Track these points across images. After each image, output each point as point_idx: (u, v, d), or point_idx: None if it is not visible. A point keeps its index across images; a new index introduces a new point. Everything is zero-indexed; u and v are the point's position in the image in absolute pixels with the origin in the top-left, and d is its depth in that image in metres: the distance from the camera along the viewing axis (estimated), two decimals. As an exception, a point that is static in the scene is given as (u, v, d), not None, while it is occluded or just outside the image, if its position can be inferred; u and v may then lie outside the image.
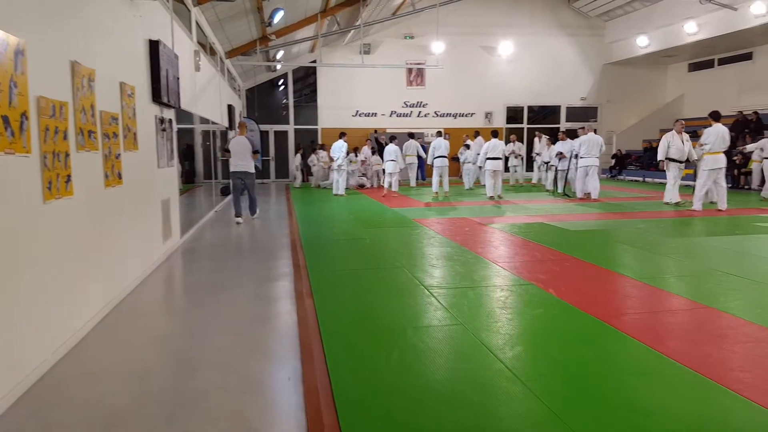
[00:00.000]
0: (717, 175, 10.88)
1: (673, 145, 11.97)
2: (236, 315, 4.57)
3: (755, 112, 18.27)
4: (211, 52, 12.68)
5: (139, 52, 6.05)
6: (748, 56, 20.35)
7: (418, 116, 22.42)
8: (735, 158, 16.70)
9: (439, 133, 19.57)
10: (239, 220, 9.76)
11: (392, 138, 15.58)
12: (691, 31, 18.95)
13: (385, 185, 15.02)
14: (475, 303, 4.72)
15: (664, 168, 12.28)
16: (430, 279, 5.51)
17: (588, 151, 13.29)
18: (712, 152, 10.82)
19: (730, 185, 16.50)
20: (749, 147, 13.38)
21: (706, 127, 11.65)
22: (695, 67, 23.08)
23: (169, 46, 7.28)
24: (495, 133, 14.46)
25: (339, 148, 15.06)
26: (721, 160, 10.80)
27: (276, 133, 21.63)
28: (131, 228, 5.44)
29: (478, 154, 16.75)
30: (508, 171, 17.89)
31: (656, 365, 3.40)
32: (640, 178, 20.43)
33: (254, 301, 4.98)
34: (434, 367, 3.41)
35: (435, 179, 14.66)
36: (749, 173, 16.29)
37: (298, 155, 19.18)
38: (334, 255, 6.91)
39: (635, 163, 21.91)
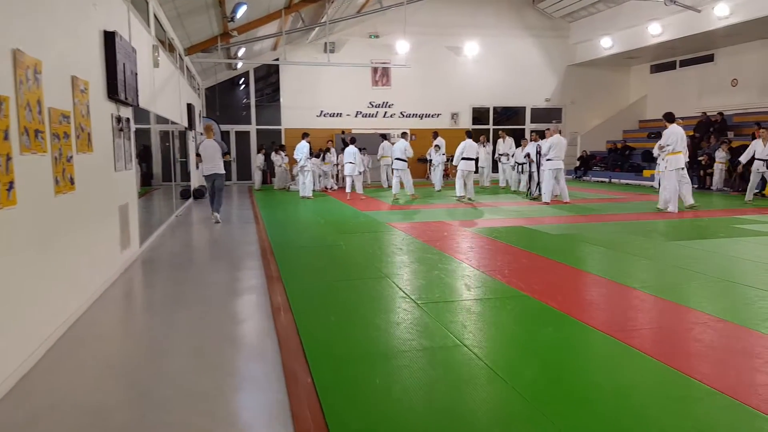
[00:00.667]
0: (682, 174, 11.11)
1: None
2: (206, 336, 4.07)
3: (720, 113, 18.54)
4: (170, 48, 12.03)
5: (94, 44, 5.47)
6: (709, 58, 20.67)
7: (384, 117, 22.05)
8: (701, 159, 16.87)
9: (403, 134, 19.31)
10: (214, 217, 10.21)
11: (352, 140, 15.10)
12: (655, 32, 19.10)
13: (347, 188, 14.58)
14: (473, 319, 4.34)
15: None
16: (418, 291, 5.10)
17: (557, 153, 13.07)
18: (674, 152, 11.00)
19: (696, 185, 16.72)
20: (743, 159, 13.17)
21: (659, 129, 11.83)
22: (657, 68, 23.37)
23: (126, 39, 6.69)
24: (469, 134, 14.24)
25: (301, 148, 14.54)
26: (682, 160, 11.01)
27: (237, 133, 20.93)
28: (85, 239, 4.88)
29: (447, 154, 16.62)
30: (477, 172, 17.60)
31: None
32: (606, 179, 20.52)
33: (225, 319, 4.48)
34: (444, 398, 3.01)
35: (395, 182, 14.25)
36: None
37: (260, 155, 18.55)
38: (310, 264, 6.43)
39: (600, 164, 22.02)
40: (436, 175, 17.36)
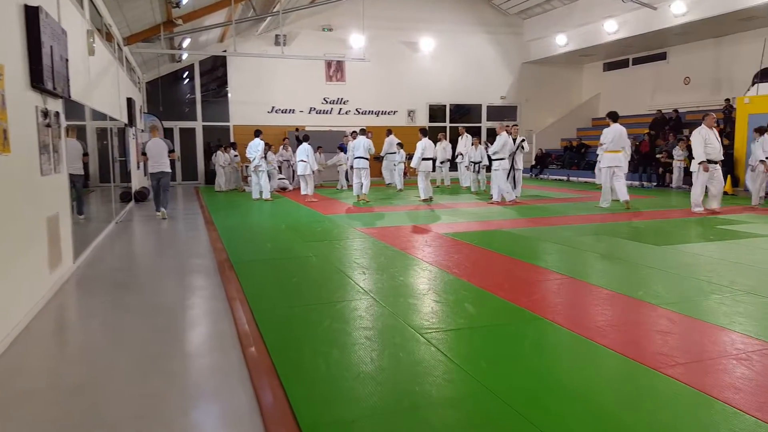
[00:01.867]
0: (615, 172, 11.26)
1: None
2: (158, 395, 3.18)
3: (675, 110, 18.57)
4: (108, 37, 10.86)
5: (11, 20, 4.46)
6: (662, 56, 20.76)
7: (339, 113, 21.19)
8: (659, 156, 16.79)
9: (362, 131, 18.51)
10: (158, 214, 10.56)
11: (305, 137, 14.02)
12: (611, 29, 18.99)
13: (302, 189, 13.69)
14: (493, 354, 3.61)
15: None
16: (417, 317, 4.32)
17: (505, 152, 12.47)
18: (611, 151, 11.23)
19: (655, 184, 16.65)
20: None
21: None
22: (610, 66, 23.41)
23: (54, 18, 5.66)
24: (425, 132, 13.59)
25: (255, 147, 13.55)
26: (618, 158, 11.16)
27: (182, 130, 19.64)
28: (3, 260, 3.91)
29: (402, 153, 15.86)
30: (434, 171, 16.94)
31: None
32: (564, 177, 20.31)
33: (183, 364, 3.60)
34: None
35: (356, 182, 13.45)
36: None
37: (220, 153, 17.17)
38: (281, 282, 5.52)
39: (556, 162, 21.85)
40: (396, 175, 16.63)
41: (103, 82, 9.71)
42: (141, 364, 3.53)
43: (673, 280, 5.35)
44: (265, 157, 13.80)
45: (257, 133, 14.04)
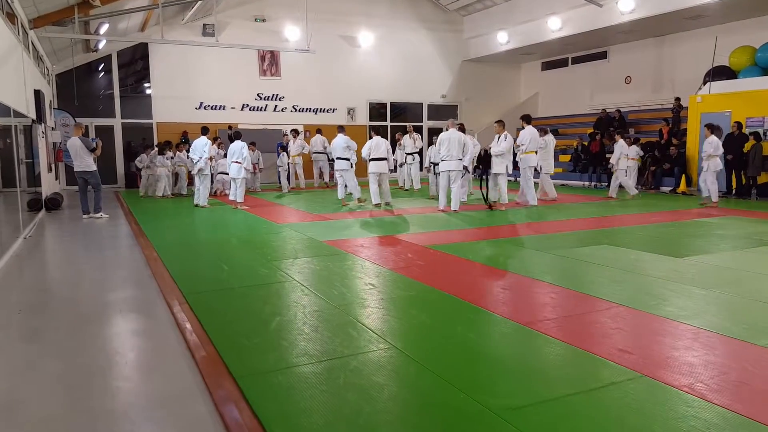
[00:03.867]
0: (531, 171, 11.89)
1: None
2: None
3: (618, 110, 18.44)
4: (10, 17, 9.12)
5: None
6: (603, 55, 20.67)
7: (274, 110, 19.73)
8: (610, 156, 16.49)
9: (318, 131, 17.26)
10: (85, 217, 10.30)
11: (237, 134, 12.41)
12: (555, 27, 18.60)
13: (230, 195, 12.02)
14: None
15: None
16: (470, 382, 3.15)
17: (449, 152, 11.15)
18: (528, 152, 11.64)
19: (606, 183, 16.34)
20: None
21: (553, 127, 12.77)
22: (548, 66, 23.21)
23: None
24: (377, 130, 12.57)
25: (202, 146, 11.97)
26: (534, 159, 11.70)
27: (99, 128, 17.59)
28: None
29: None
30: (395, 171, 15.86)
31: None
32: (512, 178, 19.75)
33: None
34: None
35: (340, 184, 12.57)
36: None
37: (145, 155, 15.23)
38: (260, 326, 4.05)
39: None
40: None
41: (4, 69, 8.04)
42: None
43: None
44: (212, 159, 12.18)
45: (204, 130, 12.43)
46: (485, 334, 3.93)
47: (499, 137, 11.28)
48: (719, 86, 14.17)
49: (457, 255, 6.48)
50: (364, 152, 11.98)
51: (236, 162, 11.49)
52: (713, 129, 11.85)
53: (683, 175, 14.39)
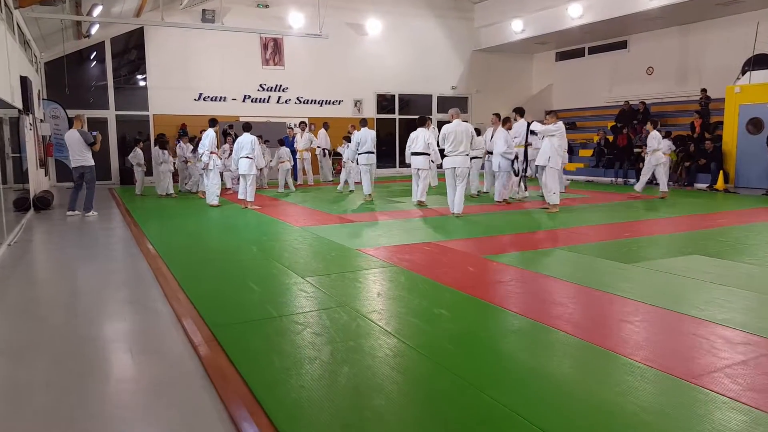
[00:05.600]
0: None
1: None
2: None
3: (642, 102, 17.48)
4: (-10, -7, 8.04)
5: None
6: (622, 45, 19.68)
7: (277, 102, 18.63)
8: (638, 150, 15.54)
9: (303, 125, 16.13)
10: (69, 213, 9.75)
11: (246, 126, 11.09)
12: (576, 14, 17.57)
13: (240, 194, 10.85)
14: None
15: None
16: None
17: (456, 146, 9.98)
18: (520, 146, 11.04)
19: (635, 181, 15.37)
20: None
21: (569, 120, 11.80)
22: (563, 56, 22.21)
23: None
24: (364, 122, 12.12)
25: (203, 139, 10.88)
26: (520, 153, 11.01)
27: (92, 121, 16.37)
28: None
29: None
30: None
31: None
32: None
33: None
34: None
35: (366, 179, 11.73)
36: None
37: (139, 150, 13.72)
38: (324, 380, 2.98)
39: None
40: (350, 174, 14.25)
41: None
42: None
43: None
44: (216, 152, 11.03)
45: (212, 122, 11.27)
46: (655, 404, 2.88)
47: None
48: (761, 76, 13.21)
49: (527, 269, 5.46)
50: (352, 146, 11.83)
51: (246, 157, 10.38)
52: (655, 124, 12.45)
53: (720, 171, 13.44)
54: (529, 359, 3.29)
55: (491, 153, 12.11)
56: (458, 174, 9.14)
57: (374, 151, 11.71)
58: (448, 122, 9.39)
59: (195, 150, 12.11)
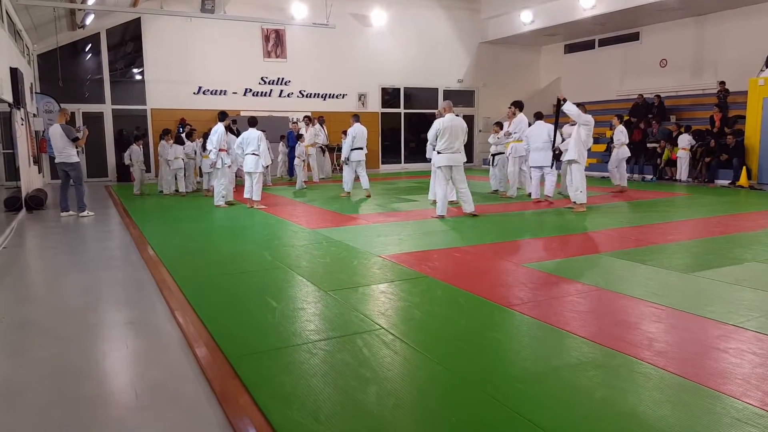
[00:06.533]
0: (522, 163, 10.98)
1: None
2: None
3: (657, 95, 16.91)
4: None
5: None
6: (634, 36, 19.10)
7: (279, 96, 18.01)
8: (654, 146, 14.99)
9: (308, 119, 15.51)
10: (63, 214, 9.33)
11: (252, 120, 10.28)
12: (588, 5, 16.97)
13: (245, 192, 10.23)
14: None
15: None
16: None
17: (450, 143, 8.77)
18: (518, 141, 10.74)
19: (652, 177, 14.83)
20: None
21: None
22: (572, 48, 21.62)
23: None
24: (357, 118, 11.82)
25: (220, 136, 10.24)
26: (523, 148, 10.68)
27: (87, 115, 15.82)
28: None
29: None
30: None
31: None
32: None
33: None
34: None
35: (362, 175, 11.63)
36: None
37: (136, 147, 12.88)
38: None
39: (522, 152, 19.78)
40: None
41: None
42: None
43: None
44: (224, 150, 10.34)
45: (221, 116, 10.54)
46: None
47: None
48: (787, 68, 12.67)
49: (579, 280, 4.88)
50: (347, 142, 11.48)
51: (252, 154, 9.77)
52: (621, 118, 12.64)
53: (743, 167, 12.89)
54: (620, 401, 2.72)
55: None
56: (455, 172, 8.45)
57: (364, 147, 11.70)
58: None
59: (204, 147, 11.46)
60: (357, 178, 11.75)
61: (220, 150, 10.11)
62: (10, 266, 5.98)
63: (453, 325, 3.82)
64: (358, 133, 11.43)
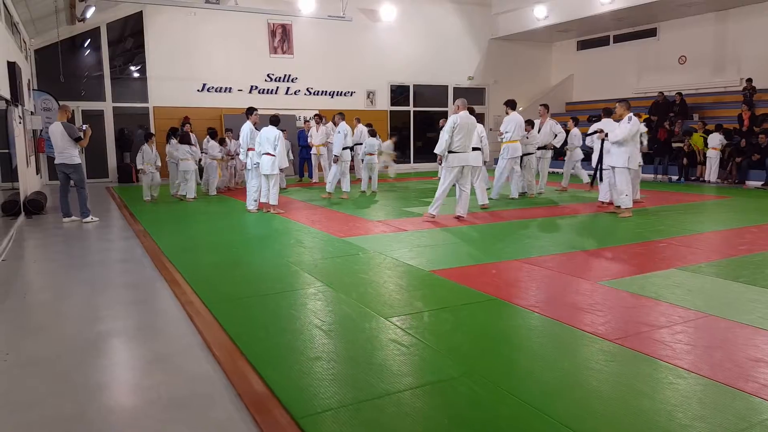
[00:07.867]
0: (515, 163, 10.67)
1: None
2: None
3: (678, 93, 16.34)
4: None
5: None
6: (651, 32, 18.51)
7: (286, 93, 17.34)
8: (680, 145, 14.39)
9: (318, 118, 14.82)
10: (66, 220, 8.71)
11: (275, 119, 9.55)
12: (606, -1, 16.35)
13: (262, 196, 9.51)
14: None
15: None
16: None
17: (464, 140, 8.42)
18: (512, 141, 10.39)
19: (678, 178, 14.26)
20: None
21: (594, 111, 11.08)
22: (585, 45, 21.03)
23: None
24: (342, 116, 11.60)
25: (246, 134, 9.62)
26: (519, 149, 10.50)
27: (87, 113, 15.11)
28: None
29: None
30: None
31: None
32: (555, 170, 17.63)
33: None
34: None
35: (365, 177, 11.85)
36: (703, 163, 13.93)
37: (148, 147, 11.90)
38: None
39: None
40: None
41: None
42: None
43: None
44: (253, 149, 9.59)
45: (248, 111, 9.85)
46: None
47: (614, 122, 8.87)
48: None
49: (676, 304, 4.25)
50: (337, 140, 11.18)
51: (269, 154, 9.08)
52: (576, 122, 12.56)
53: (772, 169, 12.35)
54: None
55: (544, 148, 11.14)
56: (464, 173, 8.19)
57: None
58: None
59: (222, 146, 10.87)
60: (356, 179, 11.42)
61: (248, 149, 9.45)
62: (11, 284, 5.30)
63: (557, 366, 3.17)
64: (348, 131, 11.27)
